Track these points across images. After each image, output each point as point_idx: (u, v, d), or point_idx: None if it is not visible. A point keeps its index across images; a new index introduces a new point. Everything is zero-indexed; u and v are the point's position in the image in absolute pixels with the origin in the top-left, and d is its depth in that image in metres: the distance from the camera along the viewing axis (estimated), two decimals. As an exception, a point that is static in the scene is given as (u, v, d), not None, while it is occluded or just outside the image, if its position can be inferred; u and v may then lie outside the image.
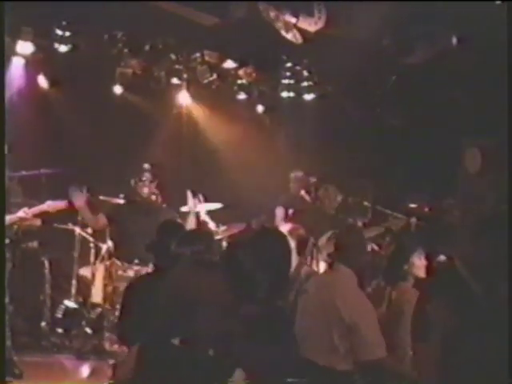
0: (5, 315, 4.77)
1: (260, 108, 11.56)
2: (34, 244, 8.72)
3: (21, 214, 7.66)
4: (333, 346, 5.12)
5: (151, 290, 4.31)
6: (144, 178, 8.42)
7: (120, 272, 8.14)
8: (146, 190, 8.42)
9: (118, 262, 8.18)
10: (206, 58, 10.22)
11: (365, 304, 5.29)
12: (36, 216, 8.02)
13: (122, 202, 8.69)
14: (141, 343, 3.50)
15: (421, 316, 5.34)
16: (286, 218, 9.73)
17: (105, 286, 8.28)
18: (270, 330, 3.59)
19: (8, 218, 7.18)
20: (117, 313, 7.15)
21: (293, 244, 6.66)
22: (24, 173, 8.50)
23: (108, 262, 8.34)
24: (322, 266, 8.53)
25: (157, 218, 7.48)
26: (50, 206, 8.10)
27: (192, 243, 5.02)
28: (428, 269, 6.18)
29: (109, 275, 8.23)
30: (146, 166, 8.53)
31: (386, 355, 5.10)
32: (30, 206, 7.94)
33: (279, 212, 9.93)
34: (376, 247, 9.23)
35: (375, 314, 5.31)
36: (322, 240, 8.88)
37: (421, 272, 6.19)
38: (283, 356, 3.57)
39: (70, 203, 8.00)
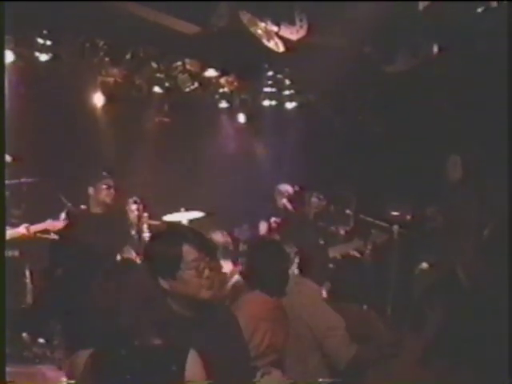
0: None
1: (242, 116, 11.56)
2: (16, 253, 8.65)
3: (22, 229, 7.70)
4: (301, 359, 5.18)
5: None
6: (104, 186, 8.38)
7: None
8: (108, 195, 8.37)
9: None
10: (188, 67, 10.22)
11: (331, 320, 5.35)
12: (37, 233, 8.05)
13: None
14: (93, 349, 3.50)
15: None
16: (269, 229, 9.72)
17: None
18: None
19: (9, 233, 7.22)
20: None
21: None
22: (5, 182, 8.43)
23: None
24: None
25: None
26: (50, 224, 8.10)
27: None
28: None
29: None
30: (104, 173, 8.48)
31: (357, 348, 5.27)
32: (10, 216, 7.90)
33: (262, 227, 9.93)
34: (358, 255, 9.23)
35: (343, 324, 5.36)
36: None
37: None
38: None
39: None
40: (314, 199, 9.82)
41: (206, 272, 3.80)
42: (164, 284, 3.80)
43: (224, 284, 6.63)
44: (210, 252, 3.90)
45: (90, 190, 8.39)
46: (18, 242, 8.45)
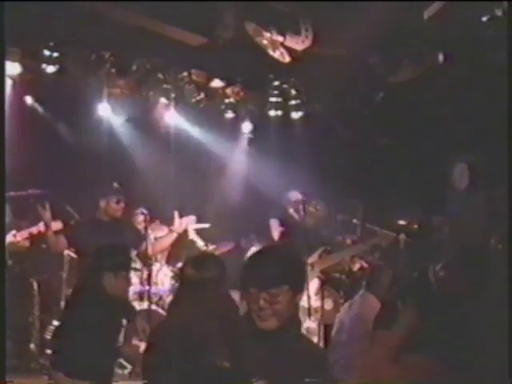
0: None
1: (248, 126, 11.57)
2: (23, 265, 8.67)
3: (9, 237, 7.70)
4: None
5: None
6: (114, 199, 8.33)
7: None
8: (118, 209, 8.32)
9: None
10: (194, 78, 10.24)
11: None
12: (25, 238, 8.03)
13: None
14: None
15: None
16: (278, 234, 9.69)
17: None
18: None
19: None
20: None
21: None
22: (12, 193, 8.45)
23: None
24: (315, 284, 8.58)
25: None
26: (35, 228, 8.09)
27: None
28: None
29: None
30: (116, 184, 8.44)
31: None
32: (18, 227, 7.92)
33: (273, 223, 9.86)
34: (365, 264, 9.21)
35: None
36: (314, 257, 8.94)
37: None
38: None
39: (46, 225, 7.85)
40: (320, 208, 9.79)
41: (262, 303, 3.55)
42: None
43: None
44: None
45: (102, 203, 8.34)
46: (25, 253, 8.49)
